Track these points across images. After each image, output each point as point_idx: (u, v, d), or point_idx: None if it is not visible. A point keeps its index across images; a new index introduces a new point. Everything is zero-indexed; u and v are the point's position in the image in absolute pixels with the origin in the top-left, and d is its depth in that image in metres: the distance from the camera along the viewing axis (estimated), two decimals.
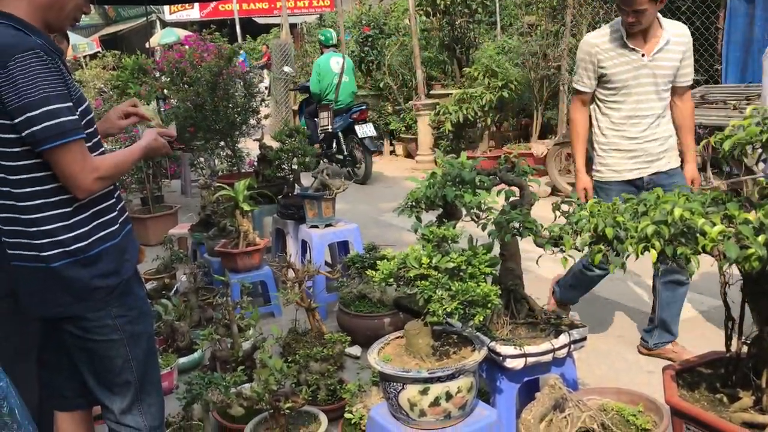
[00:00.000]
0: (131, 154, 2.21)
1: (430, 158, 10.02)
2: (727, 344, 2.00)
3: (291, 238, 5.05)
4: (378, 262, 3.26)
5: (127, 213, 2.26)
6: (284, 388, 2.99)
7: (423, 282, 2.14)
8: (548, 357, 2.54)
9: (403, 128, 10.82)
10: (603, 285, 5.00)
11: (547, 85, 8.81)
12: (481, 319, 2.12)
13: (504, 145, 9.43)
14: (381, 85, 10.98)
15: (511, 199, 2.64)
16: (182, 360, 3.99)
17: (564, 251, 2.28)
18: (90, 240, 2.02)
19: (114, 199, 2.15)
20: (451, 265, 2.15)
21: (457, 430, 2.20)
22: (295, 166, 5.07)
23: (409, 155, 10.96)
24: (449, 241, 2.26)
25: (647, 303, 4.62)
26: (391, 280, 2.23)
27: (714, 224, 1.65)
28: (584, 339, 2.64)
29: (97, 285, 2.03)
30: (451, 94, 9.51)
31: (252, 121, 6.32)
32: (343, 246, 5.05)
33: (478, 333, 2.38)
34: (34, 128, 1.85)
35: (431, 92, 10.24)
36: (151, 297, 4.80)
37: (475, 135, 9.67)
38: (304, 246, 4.90)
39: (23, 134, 1.86)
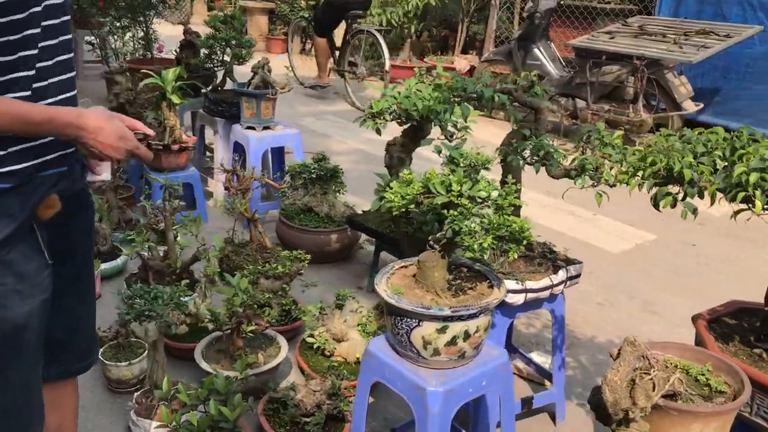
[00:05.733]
0: (39, 112, 1.40)
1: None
2: (767, 299, 1.92)
3: (220, 138, 4.61)
4: (379, 183, 2.99)
5: None
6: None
7: (452, 212, 1.90)
8: (546, 293, 2.41)
9: None
10: (591, 233, 4.93)
11: None
12: (516, 256, 1.92)
13: (423, 56, 9.14)
14: None
15: (521, 122, 2.42)
16: (104, 266, 3.59)
17: (596, 186, 2.11)
18: None
19: None
20: (483, 194, 1.91)
21: (468, 370, 2.03)
22: (227, 58, 4.57)
23: None
24: (481, 167, 2.02)
25: (623, 247, 4.62)
26: (413, 206, 1.97)
27: None
28: (579, 275, 2.53)
29: None
30: None
31: (171, 1, 5.64)
32: (277, 153, 4.68)
33: (489, 267, 2.19)
34: None
35: None
36: None
37: (393, 42, 9.28)
38: (236, 148, 4.49)
39: None
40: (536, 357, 3.03)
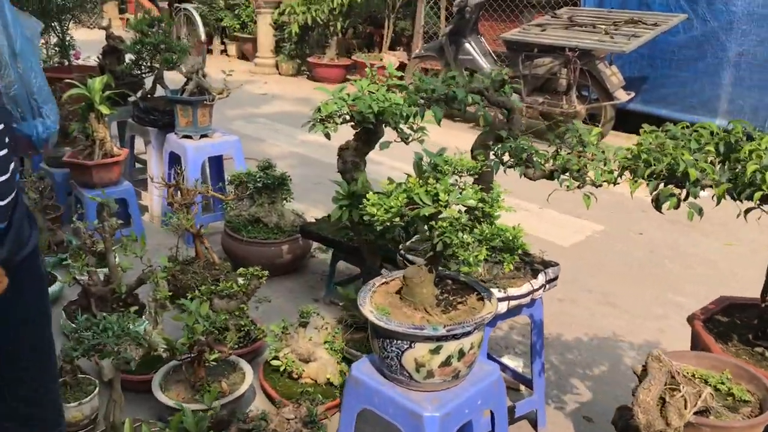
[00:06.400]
0: None
1: (271, 61, 9.33)
2: (764, 294, 1.88)
3: (153, 149, 4.34)
4: (337, 190, 2.81)
5: None
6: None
7: (441, 223, 1.77)
8: (527, 299, 2.32)
9: (238, 26, 9.93)
10: (540, 227, 4.86)
11: None
12: (511, 267, 1.81)
13: (350, 54, 8.98)
14: None
15: (494, 123, 2.32)
16: None
17: (581, 187, 2.03)
18: None
19: None
20: (471, 202, 1.80)
21: (462, 391, 1.91)
22: (156, 64, 4.31)
23: (244, 56, 10.15)
24: (466, 174, 1.89)
25: (581, 242, 4.59)
26: (397, 219, 1.83)
27: None
28: (557, 278, 2.46)
29: None
30: None
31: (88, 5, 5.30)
32: (215, 161, 4.44)
33: (475, 278, 2.08)
34: None
35: None
36: None
37: (317, 40, 9.11)
38: (171, 158, 4.23)
39: None
40: (508, 361, 2.96)
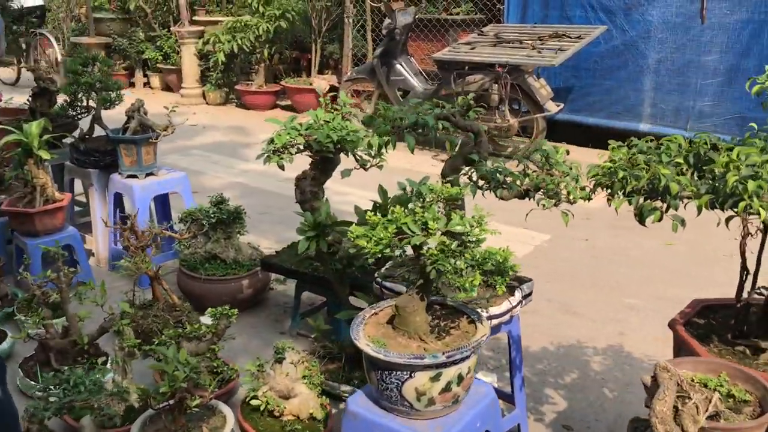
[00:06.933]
0: None
1: (197, 91, 9.20)
2: (739, 294, 1.97)
3: (95, 191, 4.20)
4: (302, 221, 2.77)
5: None
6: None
7: (432, 251, 1.79)
8: (507, 317, 2.36)
9: (160, 57, 9.74)
10: (490, 240, 4.91)
11: (325, 17, 8.45)
12: (504, 290, 1.85)
13: (278, 80, 8.94)
14: (131, 7, 9.69)
15: (464, 146, 2.36)
16: None
17: (557, 205, 2.09)
18: None
19: None
20: (459, 228, 1.82)
21: (462, 415, 1.93)
22: (93, 103, 4.18)
23: (168, 88, 9.96)
24: (456, 201, 1.92)
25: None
26: (388, 250, 1.83)
27: None
28: (531, 293, 2.52)
29: None
30: (221, 21, 8.72)
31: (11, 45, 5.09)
32: (160, 198, 4.34)
33: (461, 301, 2.11)
34: None
35: (195, 18, 9.31)
36: None
37: (242, 67, 9.05)
38: (116, 200, 4.12)
39: None
40: (483, 377, 2.99)
